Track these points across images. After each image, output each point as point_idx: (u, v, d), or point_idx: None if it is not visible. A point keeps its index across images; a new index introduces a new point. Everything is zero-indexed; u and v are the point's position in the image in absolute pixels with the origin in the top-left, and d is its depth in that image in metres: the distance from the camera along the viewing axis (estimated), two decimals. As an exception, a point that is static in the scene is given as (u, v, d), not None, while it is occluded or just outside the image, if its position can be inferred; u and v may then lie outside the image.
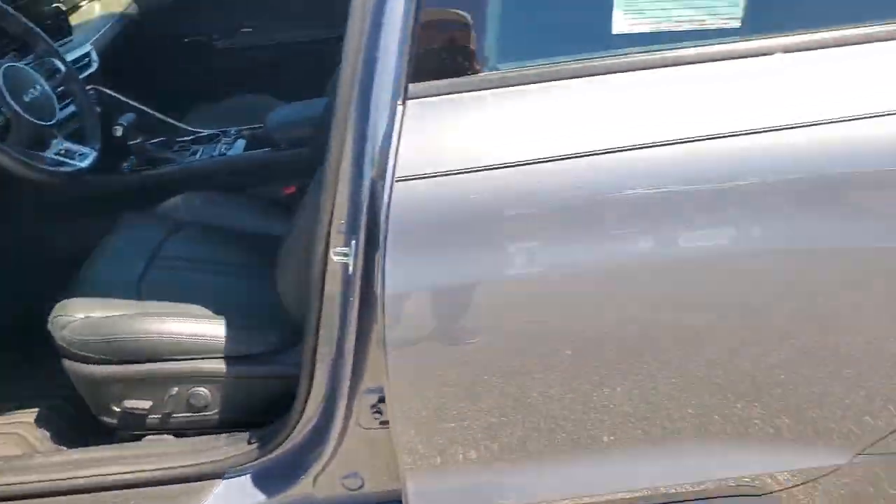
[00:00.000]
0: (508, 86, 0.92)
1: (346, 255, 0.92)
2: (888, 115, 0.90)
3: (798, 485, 1.16)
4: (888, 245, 0.96)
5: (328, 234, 0.97)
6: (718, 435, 1.10)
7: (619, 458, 1.12)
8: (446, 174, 0.90)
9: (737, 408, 1.07)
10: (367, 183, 0.93)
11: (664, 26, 0.94)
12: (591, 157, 0.90)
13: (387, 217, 0.87)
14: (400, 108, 0.90)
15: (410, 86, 0.91)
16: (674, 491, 1.16)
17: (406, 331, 0.95)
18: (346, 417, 1.05)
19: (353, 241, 0.92)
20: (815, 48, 0.93)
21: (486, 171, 0.89)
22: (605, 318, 0.99)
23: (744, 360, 1.02)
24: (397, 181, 0.88)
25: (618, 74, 0.93)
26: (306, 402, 1.07)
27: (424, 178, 0.89)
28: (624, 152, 0.89)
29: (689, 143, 0.89)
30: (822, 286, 0.98)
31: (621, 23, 0.93)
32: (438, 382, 1.00)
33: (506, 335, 0.98)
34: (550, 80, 0.93)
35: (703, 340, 1.01)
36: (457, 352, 0.99)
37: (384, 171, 0.88)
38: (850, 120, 0.90)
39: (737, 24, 0.93)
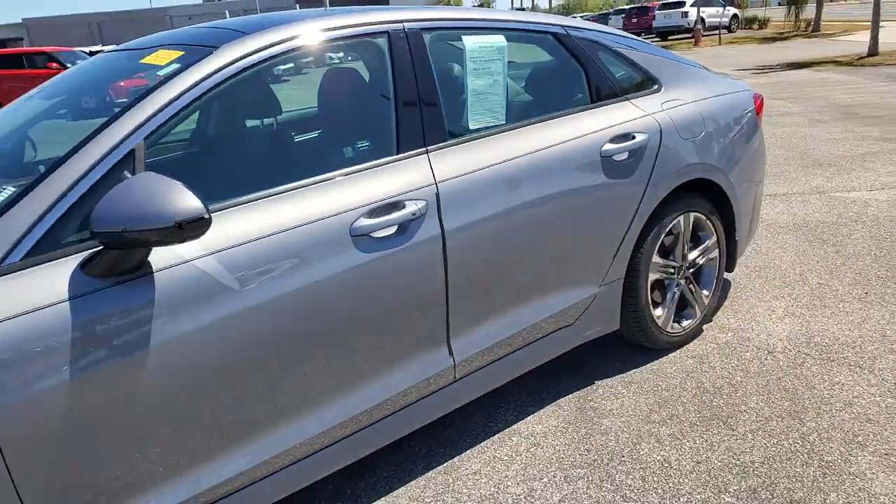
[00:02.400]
0: None
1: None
2: (554, 146, 2.46)
3: (585, 309, 2.59)
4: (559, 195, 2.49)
5: None
6: (506, 300, 2.45)
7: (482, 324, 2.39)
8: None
9: (507, 290, 2.45)
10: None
11: (482, 123, 2.37)
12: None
13: None
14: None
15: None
16: (520, 339, 2.45)
17: None
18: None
19: None
20: (529, 125, 2.46)
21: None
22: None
23: (527, 263, 2.41)
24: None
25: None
26: None
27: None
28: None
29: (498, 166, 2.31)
30: (549, 221, 2.47)
31: (474, 124, 2.34)
32: None
33: None
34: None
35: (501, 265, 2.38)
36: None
37: None
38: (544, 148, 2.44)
39: (503, 119, 2.41)
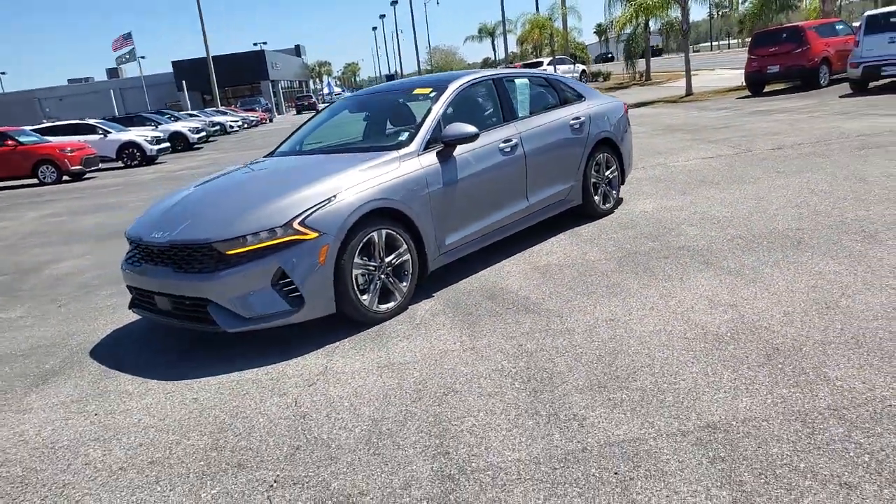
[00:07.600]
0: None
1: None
2: (550, 125, 5.92)
3: (569, 192, 6.05)
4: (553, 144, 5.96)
5: None
6: (543, 183, 5.89)
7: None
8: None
9: (544, 178, 5.91)
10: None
11: (523, 114, 5.78)
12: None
13: None
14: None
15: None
16: (539, 207, 5.88)
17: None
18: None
19: None
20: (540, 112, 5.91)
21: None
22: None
23: (545, 168, 5.88)
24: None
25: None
26: None
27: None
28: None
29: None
30: (540, 154, 5.93)
31: (521, 114, 5.75)
32: None
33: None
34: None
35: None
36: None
37: None
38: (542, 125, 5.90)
39: (529, 112, 5.85)
